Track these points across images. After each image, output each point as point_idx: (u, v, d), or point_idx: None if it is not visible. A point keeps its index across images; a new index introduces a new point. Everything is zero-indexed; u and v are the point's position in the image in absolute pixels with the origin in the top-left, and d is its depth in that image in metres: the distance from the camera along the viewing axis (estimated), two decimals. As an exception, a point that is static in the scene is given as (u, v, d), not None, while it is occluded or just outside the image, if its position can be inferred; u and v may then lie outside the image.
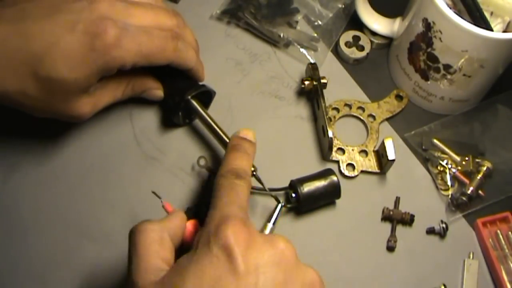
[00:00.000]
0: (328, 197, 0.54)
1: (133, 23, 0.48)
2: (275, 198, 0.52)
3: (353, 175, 0.56)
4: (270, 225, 0.52)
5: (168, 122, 0.58)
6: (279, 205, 0.52)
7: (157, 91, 0.55)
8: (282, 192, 0.54)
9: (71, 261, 0.51)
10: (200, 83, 0.56)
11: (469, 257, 0.53)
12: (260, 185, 0.52)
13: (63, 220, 0.53)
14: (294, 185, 0.53)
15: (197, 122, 0.57)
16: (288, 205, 0.53)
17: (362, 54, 0.63)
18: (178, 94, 0.55)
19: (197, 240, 0.39)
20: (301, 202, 0.52)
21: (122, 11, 0.47)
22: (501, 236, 0.54)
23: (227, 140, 0.53)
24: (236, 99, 0.60)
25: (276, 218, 0.52)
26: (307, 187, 0.52)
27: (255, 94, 0.61)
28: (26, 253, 0.51)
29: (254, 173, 0.52)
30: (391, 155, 0.54)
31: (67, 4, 0.46)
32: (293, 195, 0.53)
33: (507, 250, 0.53)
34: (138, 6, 0.49)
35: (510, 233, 0.54)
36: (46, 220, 0.52)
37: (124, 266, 0.42)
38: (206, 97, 0.57)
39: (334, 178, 0.53)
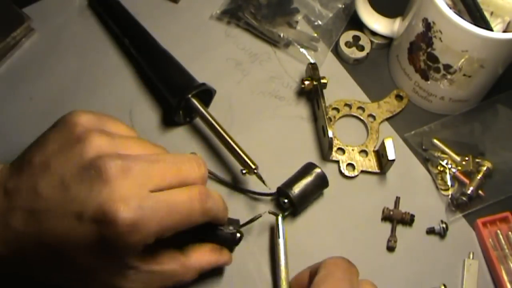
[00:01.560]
0: (319, 189, 0.53)
1: (151, 187, 0.40)
2: (273, 213, 0.52)
3: (353, 175, 0.56)
4: (281, 240, 0.51)
5: (168, 121, 0.58)
6: (280, 218, 0.51)
7: (222, 263, 0.48)
8: (269, 198, 0.54)
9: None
10: (200, 82, 0.56)
11: (469, 257, 0.53)
12: (253, 189, 0.53)
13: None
14: (284, 190, 0.52)
15: (198, 121, 0.57)
16: (286, 213, 0.53)
17: (362, 54, 0.63)
18: (179, 93, 0.55)
19: None
20: (295, 204, 0.52)
21: (139, 176, 0.40)
22: (501, 236, 0.54)
23: (227, 138, 0.53)
24: (236, 99, 0.60)
25: (283, 231, 0.51)
26: (297, 188, 0.52)
27: (255, 94, 0.61)
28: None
29: (255, 171, 0.52)
30: (391, 155, 0.54)
31: (76, 177, 0.39)
32: (285, 200, 0.52)
33: (507, 250, 0.53)
34: (158, 162, 0.42)
35: (510, 233, 0.54)
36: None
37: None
38: (207, 95, 0.57)
39: (318, 170, 0.53)
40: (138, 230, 0.39)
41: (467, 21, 0.51)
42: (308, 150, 0.58)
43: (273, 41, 0.63)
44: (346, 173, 0.56)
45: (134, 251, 0.40)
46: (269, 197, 0.54)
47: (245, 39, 0.64)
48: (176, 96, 0.55)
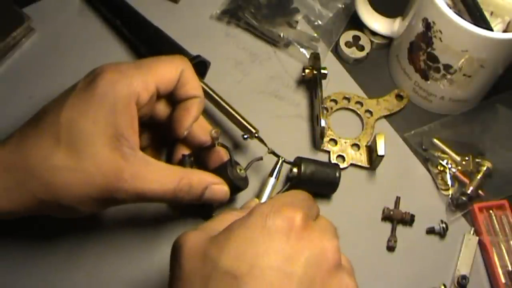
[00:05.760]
0: (326, 185, 0.53)
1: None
2: (274, 153, 0.53)
3: (342, 166, 0.56)
4: (272, 179, 0.52)
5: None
6: (280, 160, 0.53)
7: (222, 187, 0.48)
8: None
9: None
10: (195, 54, 0.57)
11: (469, 232, 0.54)
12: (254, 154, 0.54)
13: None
14: (301, 161, 0.53)
15: None
16: (290, 175, 0.53)
17: (362, 54, 0.63)
18: None
19: (254, 209, 0.38)
20: (301, 178, 0.52)
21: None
22: (495, 222, 0.54)
23: (226, 106, 0.54)
24: (236, 99, 0.60)
25: (278, 173, 0.52)
26: (312, 168, 0.52)
27: (255, 94, 0.61)
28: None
29: (256, 134, 0.53)
30: (381, 150, 0.54)
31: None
32: (295, 170, 0.53)
33: (501, 236, 0.53)
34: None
35: (503, 217, 0.54)
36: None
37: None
38: (202, 67, 0.57)
39: (337, 171, 0.53)
40: (123, 73, 0.44)
41: (467, 21, 0.51)
42: (308, 150, 0.58)
43: (273, 41, 0.63)
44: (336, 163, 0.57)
45: (124, 106, 0.43)
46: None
47: (245, 39, 0.64)
48: None
